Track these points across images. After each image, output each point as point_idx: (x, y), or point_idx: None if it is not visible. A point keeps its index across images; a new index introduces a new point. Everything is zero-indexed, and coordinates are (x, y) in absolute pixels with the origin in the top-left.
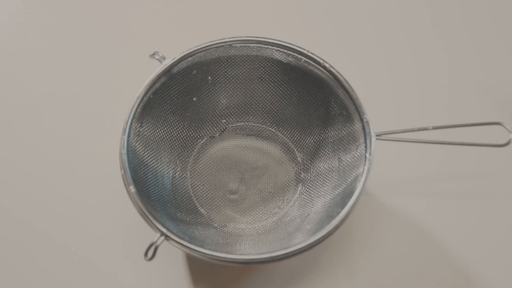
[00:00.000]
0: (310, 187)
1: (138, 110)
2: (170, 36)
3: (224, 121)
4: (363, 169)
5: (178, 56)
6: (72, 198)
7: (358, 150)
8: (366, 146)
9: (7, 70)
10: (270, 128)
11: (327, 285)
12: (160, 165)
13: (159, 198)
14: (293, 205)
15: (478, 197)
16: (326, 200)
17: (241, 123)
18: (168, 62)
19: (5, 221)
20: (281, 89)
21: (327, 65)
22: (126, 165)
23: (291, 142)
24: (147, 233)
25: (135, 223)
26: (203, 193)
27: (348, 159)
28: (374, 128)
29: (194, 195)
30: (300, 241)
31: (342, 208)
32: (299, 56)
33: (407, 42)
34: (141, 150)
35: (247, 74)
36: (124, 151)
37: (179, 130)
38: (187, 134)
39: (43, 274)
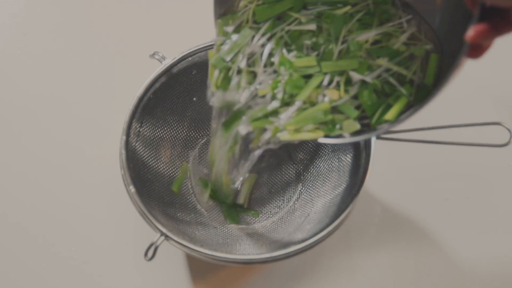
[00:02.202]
0: (310, 187)
1: (138, 110)
2: (170, 36)
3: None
4: (363, 169)
5: (178, 56)
6: (72, 198)
7: (358, 150)
8: (366, 146)
9: (7, 70)
10: None
11: (327, 285)
12: (160, 165)
13: (159, 198)
14: (293, 205)
15: (478, 197)
16: (326, 200)
17: None
18: (168, 62)
19: (5, 221)
20: None
21: None
22: (126, 165)
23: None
24: (147, 233)
25: (135, 223)
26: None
27: (348, 158)
28: None
29: (194, 195)
30: (300, 241)
31: (342, 208)
32: None
33: None
34: (141, 150)
35: None
36: (124, 151)
37: (179, 130)
38: (187, 134)
39: (44, 274)
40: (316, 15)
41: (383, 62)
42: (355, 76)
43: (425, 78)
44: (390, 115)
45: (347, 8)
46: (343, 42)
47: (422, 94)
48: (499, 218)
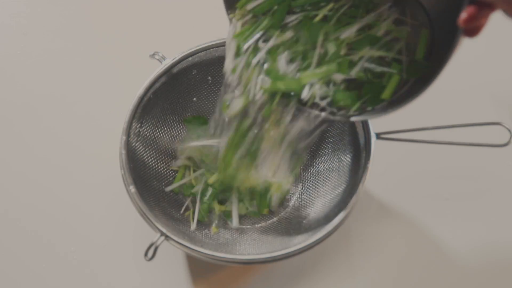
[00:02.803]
0: (310, 187)
1: (138, 110)
2: (170, 36)
3: None
4: (363, 169)
5: (178, 56)
6: (72, 198)
7: (357, 150)
8: (366, 146)
9: (7, 70)
10: None
11: (327, 285)
12: (160, 165)
13: (159, 198)
14: (293, 205)
15: (478, 197)
16: (326, 200)
17: None
18: (168, 62)
19: (5, 220)
20: None
21: None
22: (126, 165)
23: None
24: (147, 233)
25: (135, 223)
26: None
27: (348, 159)
28: (374, 128)
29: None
30: (300, 241)
31: (342, 208)
32: None
33: None
34: (141, 150)
35: None
36: (124, 151)
37: (179, 130)
38: (187, 134)
39: (44, 274)
40: (301, 19)
41: (364, 52)
42: (338, 77)
43: (416, 52)
44: (386, 93)
45: (331, 5)
46: (322, 46)
47: (414, 69)
48: (500, 218)
